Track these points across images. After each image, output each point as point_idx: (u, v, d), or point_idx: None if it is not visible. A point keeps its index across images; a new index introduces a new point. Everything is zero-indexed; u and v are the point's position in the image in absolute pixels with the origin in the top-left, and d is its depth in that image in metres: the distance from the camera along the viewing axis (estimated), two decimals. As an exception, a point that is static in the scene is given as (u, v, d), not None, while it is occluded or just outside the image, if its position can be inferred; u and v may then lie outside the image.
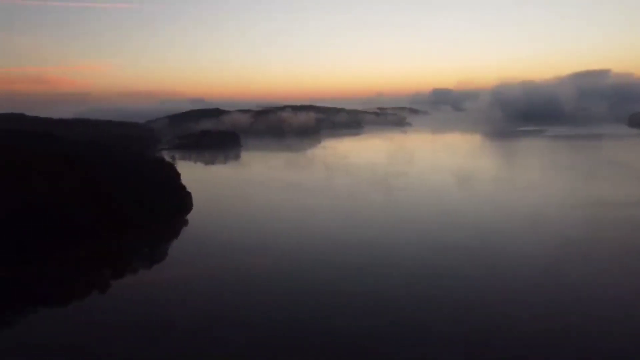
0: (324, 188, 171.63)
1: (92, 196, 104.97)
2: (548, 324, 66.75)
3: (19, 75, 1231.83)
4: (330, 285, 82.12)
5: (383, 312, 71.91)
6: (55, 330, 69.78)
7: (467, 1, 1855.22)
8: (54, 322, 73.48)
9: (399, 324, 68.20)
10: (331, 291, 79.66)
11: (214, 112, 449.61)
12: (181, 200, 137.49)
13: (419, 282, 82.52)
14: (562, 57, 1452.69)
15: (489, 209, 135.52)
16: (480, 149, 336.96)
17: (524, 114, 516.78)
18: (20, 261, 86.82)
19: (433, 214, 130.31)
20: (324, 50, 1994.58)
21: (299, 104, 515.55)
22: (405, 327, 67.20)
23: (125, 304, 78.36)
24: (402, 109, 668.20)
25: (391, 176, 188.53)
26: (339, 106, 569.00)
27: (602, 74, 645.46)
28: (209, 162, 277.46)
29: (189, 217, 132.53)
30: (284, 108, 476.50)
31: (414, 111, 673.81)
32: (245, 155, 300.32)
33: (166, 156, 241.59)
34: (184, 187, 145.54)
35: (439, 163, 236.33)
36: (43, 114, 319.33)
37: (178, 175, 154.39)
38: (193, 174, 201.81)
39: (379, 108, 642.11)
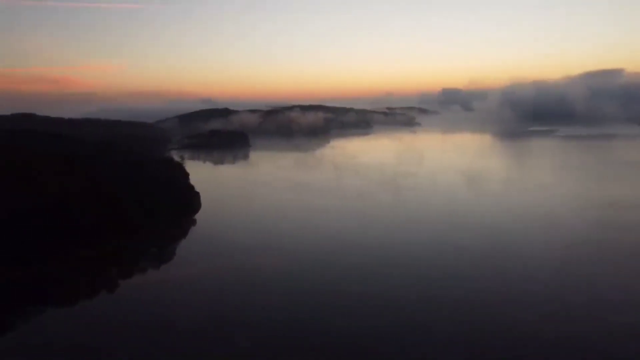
0: (333, 188, 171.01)
1: (99, 196, 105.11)
2: (559, 327, 65.72)
3: (30, 76, 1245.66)
4: (337, 286, 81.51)
5: (390, 314, 71.20)
6: (62, 330, 69.79)
7: (477, 1, 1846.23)
8: (60, 322, 73.54)
9: (407, 325, 67.53)
10: (338, 292, 79.04)
11: (223, 112, 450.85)
12: (189, 200, 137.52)
13: (427, 284, 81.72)
14: (573, 56, 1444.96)
15: (498, 210, 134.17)
16: (490, 149, 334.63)
17: (534, 113, 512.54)
18: (26, 261, 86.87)
19: (442, 215, 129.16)
20: (332, 49, 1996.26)
21: (307, 103, 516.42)
22: (412, 329, 66.52)
23: (133, 304, 78.32)
24: (411, 108, 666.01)
25: (400, 176, 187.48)
26: (347, 106, 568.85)
27: (615, 73, 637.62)
28: (218, 161, 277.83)
29: (197, 216, 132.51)
30: (292, 108, 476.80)
31: (423, 111, 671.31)
32: (253, 155, 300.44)
33: (175, 156, 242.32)
34: (192, 187, 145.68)
35: (449, 163, 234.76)
36: (53, 114, 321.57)
37: (186, 175, 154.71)
38: (202, 173, 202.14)
39: (388, 108, 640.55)
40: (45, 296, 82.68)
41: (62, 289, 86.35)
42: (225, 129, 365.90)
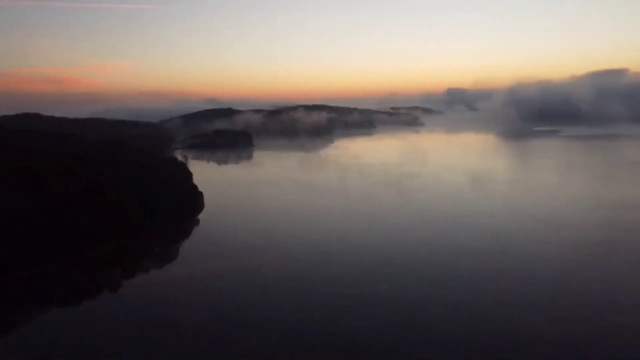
0: (336, 188, 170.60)
1: (102, 196, 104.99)
2: (564, 329, 65.08)
3: (36, 76, 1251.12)
4: (341, 287, 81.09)
5: (393, 315, 70.71)
6: (64, 330, 69.67)
7: (482, 0, 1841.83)
8: (62, 322, 73.46)
9: (410, 326, 67.07)
10: (342, 293, 78.63)
11: (227, 112, 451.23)
12: (193, 200, 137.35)
13: (431, 285, 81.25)
14: (579, 56, 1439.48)
15: (503, 211, 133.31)
16: (495, 149, 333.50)
17: (539, 113, 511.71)
18: (31, 262, 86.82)
19: (446, 216, 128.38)
20: (337, 49, 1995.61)
21: (311, 103, 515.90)
22: (416, 330, 66.02)
23: (135, 304, 78.14)
24: (416, 108, 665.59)
25: (404, 177, 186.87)
26: (351, 106, 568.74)
27: (620, 73, 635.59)
28: (222, 161, 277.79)
29: (201, 217, 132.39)
30: (296, 108, 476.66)
31: (427, 111, 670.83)
32: (257, 155, 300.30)
33: (179, 156, 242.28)
34: (195, 187, 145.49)
35: (453, 163, 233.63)
36: (58, 113, 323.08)
37: (190, 175, 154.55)
38: (205, 173, 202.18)
39: (392, 108, 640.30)
40: (47, 296, 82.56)
41: (64, 289, 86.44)
42: (229, 129, 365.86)
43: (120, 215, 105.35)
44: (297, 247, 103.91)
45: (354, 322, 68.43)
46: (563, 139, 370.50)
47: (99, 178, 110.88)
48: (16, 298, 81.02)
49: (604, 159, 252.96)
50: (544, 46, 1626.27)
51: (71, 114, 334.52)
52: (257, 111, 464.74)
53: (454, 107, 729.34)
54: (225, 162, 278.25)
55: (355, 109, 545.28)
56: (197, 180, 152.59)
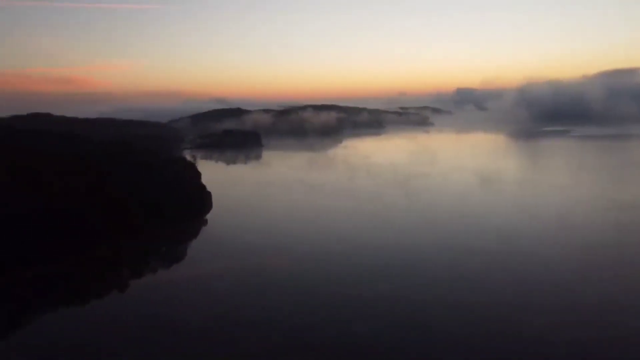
0: (345, 189, 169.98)
1: (109, 196, 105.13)
2: (572, 332, 64.08)
3: (46, 76, 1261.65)
4: (348, 288, 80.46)
5: (400, 316, 70.08)
6: (67, 330, 69.72)
7: (492, 0, 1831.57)
8: (65, 322, 73.45)
9: (416, 327, 66.46)
10: (349, 294, 78.05)
11: (236, 112, 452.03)
12: (201, 200, 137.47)
13: (439, 286, 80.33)
14: (590, 55, 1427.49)
15: (512, 212, 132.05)
16: (505, 150, 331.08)
17: (550, 113, 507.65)
18: (36, 261, 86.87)
19: (456, 217, 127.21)
20: (346, 49, 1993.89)
21: (320, 103, 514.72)
22: (422, 332, 65.38)
23: (142, 304, 78.12)
24: (425, 108, 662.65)
25: (413, 177, 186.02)
26: (360, 106, 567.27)
27: (632, 72, 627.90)
28: (230, 161, 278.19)
29: (209, 217, 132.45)
30: (305, 108, 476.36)
31: (436, 111, 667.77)
32: (266, 155, 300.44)
33: (188, 156, 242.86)
34: (204, 187, 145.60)
35: (462, 164, 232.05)
36: (69, 113, 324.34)
37: (198, 174, 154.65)
38: (214, 173, 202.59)
39: (401, 107, 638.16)
40: (50, 296, 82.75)
41: (74, 289, 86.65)
42: (237, 128, 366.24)
43: (127, 215, 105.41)
44: (304, 248, 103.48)
45: (359, 323, 67.83)
46: (574, 139, 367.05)
47: (102, 178, 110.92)
48: (17, 298, 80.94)
49: (615, 159, 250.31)
50: (554, 45, 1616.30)
51: (81, 114, 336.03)
52: (266, 111, 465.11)
53: (463, 107, 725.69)
54: (234, 161, 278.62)
55: (364, 109, 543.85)
56: (205, 180, 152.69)
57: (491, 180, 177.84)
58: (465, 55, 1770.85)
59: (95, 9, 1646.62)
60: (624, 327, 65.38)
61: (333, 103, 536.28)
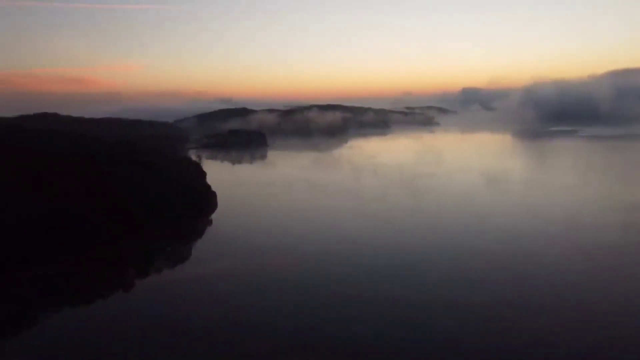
0: (350, 189, 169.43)
1: (107, 196, 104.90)
2: (575, 333, 63.29)
3: (54, 76, 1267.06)
4: (353, 289, 79.87)
5: (403, 317, 69.41)
6: (68, 330, 69.55)
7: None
8: (66, 322, 73.30)
9: (419, 328, 65.85)
10: (354, 295, 77.52)
11: (242, 112, 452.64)
12: (206, 199, 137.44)
13: (443, 287, 79.58)
14: (597, 55, 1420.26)
15: (519, 212, 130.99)
16: (511, 150, 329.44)
17: (557, 113, 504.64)
18: (36, 261, 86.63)
19: (462, 217, 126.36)
20: (351, 49, 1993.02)
21: (325, 103, 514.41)
22: (426, 333, 64.80)
23: (146, 304, 77.90)
24: (431, 108, 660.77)
25: (418, 177, 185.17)
26: (366, 105, 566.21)
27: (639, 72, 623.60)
28: (236, 161, 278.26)
29: (213, 217, 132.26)
30: (310, 108, 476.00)
31: (442, 110, 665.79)
32: (271, 155, 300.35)
33: (193, 155, 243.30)
34: (209, 187, 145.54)
35: (468, 164, 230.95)
36: (77, 113, 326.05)
37: (203, 174, 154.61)
38: (219, 173, 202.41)
39: (406, 107, 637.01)
40: (50, 296, 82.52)
41: (68, 289, 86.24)
42: (243, 128, 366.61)
43: (131, 215, 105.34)
44: (307, 248, 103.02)
45: (360, 323, 67.41)
46: (581, 139, 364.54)
47: (105, 178, 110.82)
48: (17, 298, 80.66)
49: (623, 159, 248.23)
50: (560, 45, 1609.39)
51: (89, 114, 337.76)
52: (271, 111, 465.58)
53: (469, 106, 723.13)
54: (240, 161, 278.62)
55: (369, 109, 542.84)
56: (210, 179, 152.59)
57: (497, 180, 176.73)
58: (471, 54, 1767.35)
59: (102, 10, 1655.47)
60: (624, 328, 64.72)
61: (338, 103, 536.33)
